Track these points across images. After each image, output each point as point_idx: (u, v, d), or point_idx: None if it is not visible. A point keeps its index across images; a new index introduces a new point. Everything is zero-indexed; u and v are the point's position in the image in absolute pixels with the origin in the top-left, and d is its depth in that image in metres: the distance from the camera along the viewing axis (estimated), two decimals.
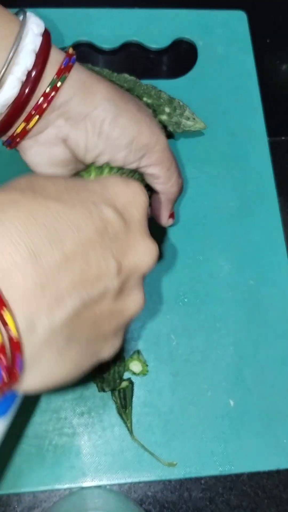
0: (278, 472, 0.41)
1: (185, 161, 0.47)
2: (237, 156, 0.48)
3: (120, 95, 0.35)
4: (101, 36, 0.51)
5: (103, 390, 0.39)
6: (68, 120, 0.34)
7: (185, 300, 0.43)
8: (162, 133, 0.36)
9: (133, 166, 0.35)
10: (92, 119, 0.33)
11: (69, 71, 0.33)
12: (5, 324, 0.20)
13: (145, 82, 0.44)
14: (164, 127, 0.45)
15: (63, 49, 0.49)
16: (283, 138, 0.51)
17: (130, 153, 0.34)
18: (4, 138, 0.35)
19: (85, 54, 0.51)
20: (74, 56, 0.34)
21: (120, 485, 0.39)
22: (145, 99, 0.44)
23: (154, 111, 0.44)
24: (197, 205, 0.46)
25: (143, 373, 0.41)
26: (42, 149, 0.35)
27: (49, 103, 0.33)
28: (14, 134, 0.34)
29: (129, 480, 0.39)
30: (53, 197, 0.24)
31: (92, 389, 0.40)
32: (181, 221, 0.46)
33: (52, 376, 0.23)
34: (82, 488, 0.39)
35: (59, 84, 0.32)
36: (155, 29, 0.51)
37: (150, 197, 0.39)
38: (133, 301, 0.26)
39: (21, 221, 0.22)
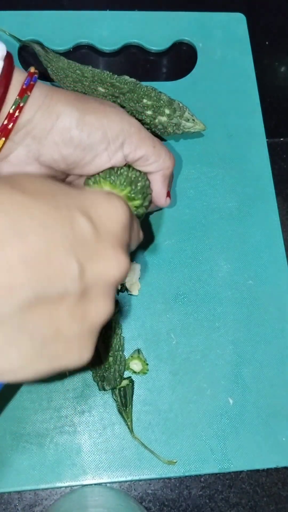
0: (277, 470, 0.41)
1: (185, 162, 0.48)
2: (236, 157, 0.49)
3: (79, 97, 0.35)
4: (101, 38, 0.51)
5: (104, 389, 0.39)
6: (35, 138, 0.34)
7: (185, 299, 0.44)
8: (132, 118, 0.36)
9: (118, 158, 0.36)
10: (58, 129, 0.34)
11: (30, 90, 0.33)
12: None
13: (145, 83, 0.45)
14: (164, 128, 0.45)
15: (63, 53, 0.50)
16: (281, 139, 0.52)
17: (109, 144, 0.35)
18: None
19: (85, 56, 0.51)
20: (36, 75, 0.34)
21: (120, 483, 0.40)
22: (145, 100, 0.44)
23: (154, 112, 0.44)
24: (197, 205, 0.46)
25: (143, 372, 0.41)
26: (16, 170, 0.36)
27: (14, 123, 0.33)
28: None
29: (129, 478, 0.39)
30: (27, 192, 0.24)
31: (92, 388, 0.41)
32: (181, 221, 0.46)
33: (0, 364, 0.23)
34: (83, 486, 0.39)
35: (21, 104, 0.33)
36: (155, 31, 0.52)
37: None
38: (97, 308, 0.26)
39: None
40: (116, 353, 0.40)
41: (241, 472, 0.41)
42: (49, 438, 0.39)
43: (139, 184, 0.37)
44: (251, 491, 0.41)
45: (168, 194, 0.40)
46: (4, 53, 0.33)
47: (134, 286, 0.43)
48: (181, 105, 0.45)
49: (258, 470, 0.41)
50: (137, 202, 0.37)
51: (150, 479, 0.40)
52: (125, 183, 0.36)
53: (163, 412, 0.41)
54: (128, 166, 0.37)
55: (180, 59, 0.53)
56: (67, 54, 0.51)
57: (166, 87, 0.47)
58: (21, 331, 0.23)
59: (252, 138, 0.49)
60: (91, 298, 0.25)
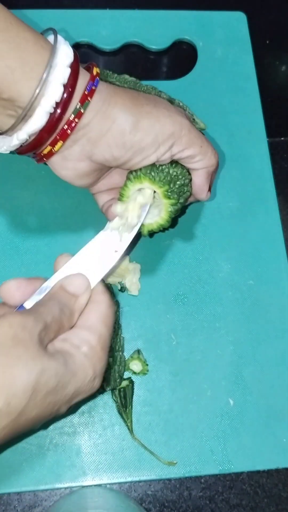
0: (277, 471, 0.41)
1: None
2: (236, 157, 0.48)
3: (135, 101, 0.36)
4: (101, 37, 0.51)
5: (104, 390, 0.39)
6: (90, 140, 0.35)
7: (185, 299, 0.43)
8: (183, 117, 0.37)
9: (166, 157, 0.37)
10: (113, 133, 0.35)
11: (91, 96, 0.34)
12: None
13: (145, 83, 0.45)
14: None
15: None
16: (282, 138, 0.51)
17: (158, 147, 0.36)
18: (32, 154, 0.37)
19: (85, 55, 0.51)
20: (98, 78, 0.35)
21: (120, 484, 0.40)
22: None
23: None
24: (197, 205, 0.46)
25: (143, 372, 0.41)
26: (68, 164, 0.37)
27: (72, 129, 0.34)
28: (42, 154, 0.36)
29: (129, 479, 0.39)
30: None
31: None
32: (181, 221, 0.46)
33: None
34: (83, 487, 0.39)
35: (82, 110, 0.34)
36: (155, 30, 0.52)
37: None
38: None
39: None
40: (116, 353, 0.40)
41: (241, 473, 0.41)
42: (49, 439, 0.39)
43: (178, 182, 0.38)
44: (252, 492, 0.40)
45: (209, 189, 0.41)
46: (71, 59, 0.34)
47: (134, 286, 0.43)
48: (181, 104, 0.45)
49: (258, 471, 0.41)
50: (172, 201, 0.38)
51: (150, 480, 0.40)
52: (164, 180, 0.37)
53: (163, 413, 0.40)
54: (171, 162, 0.38)
55: (180, 58, 0.53)
56: None
57: (166, 86, 0.47)
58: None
59: (253, 138, 0.49)
60: None
